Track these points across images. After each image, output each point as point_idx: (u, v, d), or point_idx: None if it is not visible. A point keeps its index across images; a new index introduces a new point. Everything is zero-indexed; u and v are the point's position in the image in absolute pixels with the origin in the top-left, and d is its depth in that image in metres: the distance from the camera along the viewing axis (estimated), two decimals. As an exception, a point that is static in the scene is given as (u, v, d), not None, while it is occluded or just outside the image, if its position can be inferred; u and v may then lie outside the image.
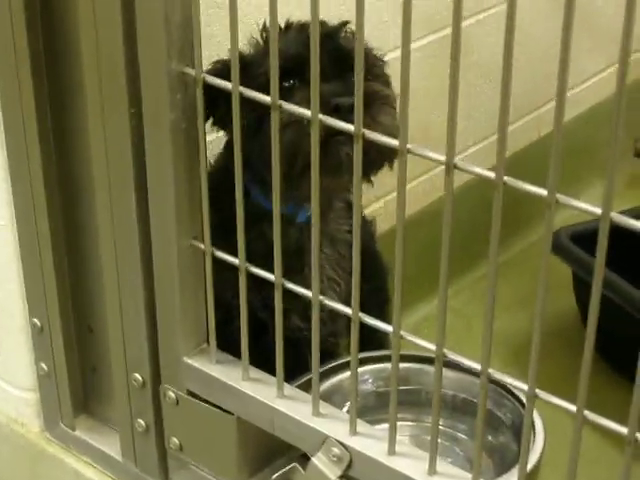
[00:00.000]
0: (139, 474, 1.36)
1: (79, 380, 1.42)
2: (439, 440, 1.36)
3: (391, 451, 1.07)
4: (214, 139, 1.44)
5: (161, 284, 1.19)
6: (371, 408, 1.37)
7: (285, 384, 1.16)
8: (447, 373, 1.33)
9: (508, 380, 0.96)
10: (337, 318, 1.42)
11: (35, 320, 1.38)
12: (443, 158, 0.89)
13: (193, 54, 1.04)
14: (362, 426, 1.10)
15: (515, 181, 0.87)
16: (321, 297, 1.05)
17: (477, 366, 0.97)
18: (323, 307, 1.08)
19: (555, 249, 2.00)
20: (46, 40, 1.18)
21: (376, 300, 1.60)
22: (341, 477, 1.09)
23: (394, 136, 0.93)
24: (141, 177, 1.13)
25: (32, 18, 1.16)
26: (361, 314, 1.02)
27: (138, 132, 1.11)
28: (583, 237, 1.99)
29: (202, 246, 1.14)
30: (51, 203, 1.28)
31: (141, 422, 1.30)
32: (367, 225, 1.63)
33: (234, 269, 1.11)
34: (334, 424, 1.11)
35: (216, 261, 1.13)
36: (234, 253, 1.11)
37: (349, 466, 1.09)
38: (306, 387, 1.18)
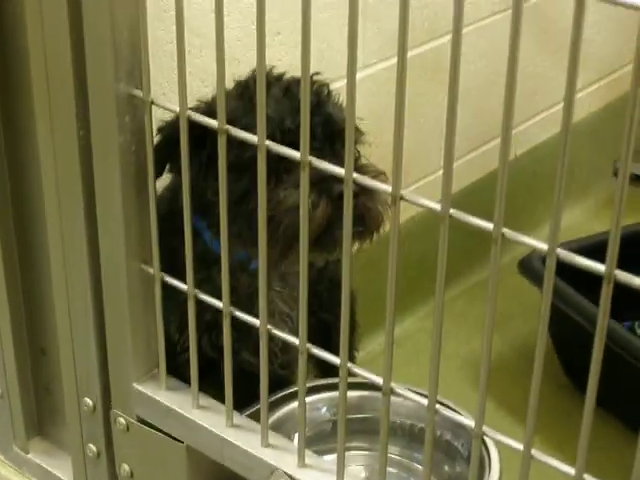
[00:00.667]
0: (91, 500, 1.33)
1: (32, 402, 1.39)
2: (395, 471, 1.35)
3: (340, 485, 1.04)
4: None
5: (111, 308, 1.16)
6: (326, 436, 1.35)
7: (235, 413, 1.13)
8: (406, 402, 1.30)
9: (458, 418, 0.94)
10: (289, 350, 1.40)
11: (-14, 342, 1.36)
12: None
13: (142, 76, 1.02)
14: (311, 458, 1.08)
15: (461, 214, 0.85)
16: (269, 327, 1.03)
17: (424, 401, 0.94)
18: (274, 339, 1.06)
19: (526, 272, 1.98)
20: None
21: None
22: (290, 509, 1.07)
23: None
24: (90, 200, 1.11)
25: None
26: (309, 344, 1.00)
27: (87, 154, 1.09)
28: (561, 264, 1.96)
29: (151, 270, 1.11)
30: (3, 224, 1.25)
31: (92, 447, 1.28)
32: None
33: (180, 304, 1.09)
34: (283, 455, 1.09)
35: (162, 295, 1.11)
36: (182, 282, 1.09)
37: (298, 499, 1.06)
38: (258, 416, 1.15)
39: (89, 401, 1.25)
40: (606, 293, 0.77)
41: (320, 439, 1.36)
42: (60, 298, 1.21)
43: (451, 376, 2.01)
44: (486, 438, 1.24)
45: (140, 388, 1.18)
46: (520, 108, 2.28)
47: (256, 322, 1.03)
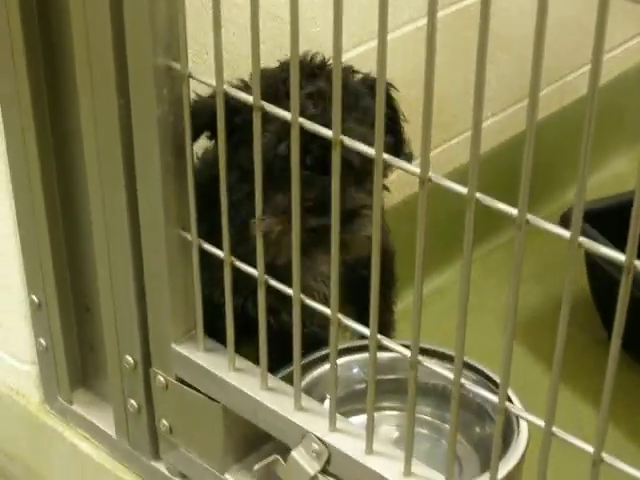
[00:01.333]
0: (132, 452, 1.38)
1: (77, 356, 1.43)
2: (426, 432, 1.38)
3: (368, 450, 1.07)
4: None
5: (150, 271, 1.20)
6: (359, 395, 1.37)
7: (270, 376, 1.16)
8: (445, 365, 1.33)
9: (484, 393, 0.96)
10: None
11: (33, 296, 1.40)
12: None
13: (179, 50, 1.04)
14: (342, 422, 1.10)
15: (486, 198, 0.86)
16: (301, 296, 1.05)
17: (449, 374, 0.96)
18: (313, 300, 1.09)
19: (568, 227, 1.98)
20: (42, 37, 1.19)
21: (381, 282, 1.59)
22: (320, 472, 1.10)
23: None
24: (130, 167, 1.14)
25: (29, 18, 1.17)
26: (340, 315, 1.03)
27: (127, 123, 1.11)
28: (598, 216, 1.96)
29: (189, 237, 1.14)
30: (48, 188, 1.28)
31: (133, 403, 1.32)
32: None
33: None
34: (314, 419, 1.12)
35: (207, 258, 1.14)
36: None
37: (328, 462, 1.10)
38: (292, 377, 1.18)
39: (130, 359, 1.28)
40: (626, 283, 0.78)
41: (353, 398, 1.38)
42: (102, 260, 1.25)
43: (490, 328, 2.02)
44: (515, 399, 1.28)
45: (178, 349, 1.22)
46: (568, 58, 2.28)
47: (290, 291, 1.06)
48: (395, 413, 1.41)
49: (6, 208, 1.35)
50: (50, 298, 1.37)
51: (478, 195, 0.86)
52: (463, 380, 0.95)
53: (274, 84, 1.24)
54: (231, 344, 1.17)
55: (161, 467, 1.35)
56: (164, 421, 1.29)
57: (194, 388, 1.23)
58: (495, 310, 2.10)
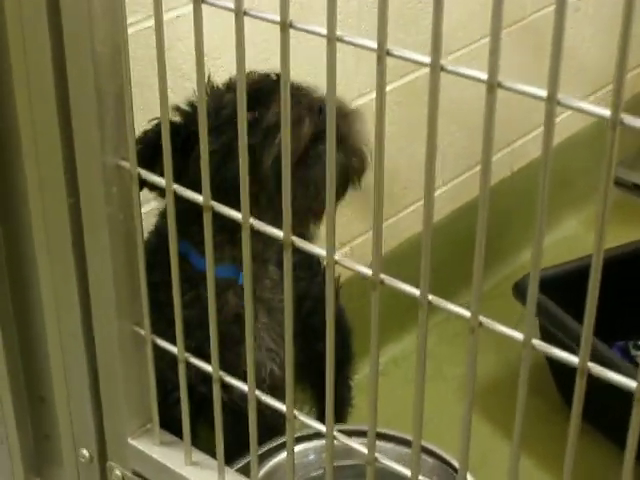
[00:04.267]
0: None
1: (32, 447, 1.41)
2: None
3: None
4: (150, 209, 1.44)
5: (103, 366, 1.19)
6: (317, 482, 1.37)
7: (227, 469, 1.16)
8: (397, 447, 1.34)
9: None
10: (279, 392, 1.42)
11: (-16, 395, 1.38)
12: (369, 272, 0.87)
13: (128, 148, 1.04)
14: (300, 517, 1.10)
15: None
16: (257, 393, 1.05)
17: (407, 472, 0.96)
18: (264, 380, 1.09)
19: (520, 297, 2.00)
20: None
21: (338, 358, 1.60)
22: None
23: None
24: (82, 265, 1.13)
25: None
26: (296, 412, 1.02)
27: (77, 222, 1.11)
28: (553, 283, 1.97)
29: (142, 332, 1.14)
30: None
31: (90, 496, 1.30)
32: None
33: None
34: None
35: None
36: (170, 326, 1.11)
37: None
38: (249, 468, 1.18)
39: (85, 452, 1.27)
40: (580, 386, 0.78)
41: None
42: (55, 354, 1.24)
43: (449, 399, 2.03)
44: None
45: (134, 443, 1.21)
46: (518, 124, 2.31)
47: (244, 388, 1.05)
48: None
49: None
50: (3, 391, 1.35)
51: (430, 297, 0.86)
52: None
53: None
54: (187, 437, 1.16)
55: None
56: (121, 515, 1.28)
57: (152, 482, 1.22)
58: (452, 379, 2.11)
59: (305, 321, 1.54)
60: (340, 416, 1.74)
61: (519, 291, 2.00)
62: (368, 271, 0.88)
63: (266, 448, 1.34)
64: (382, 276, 0.87)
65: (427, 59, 0.77)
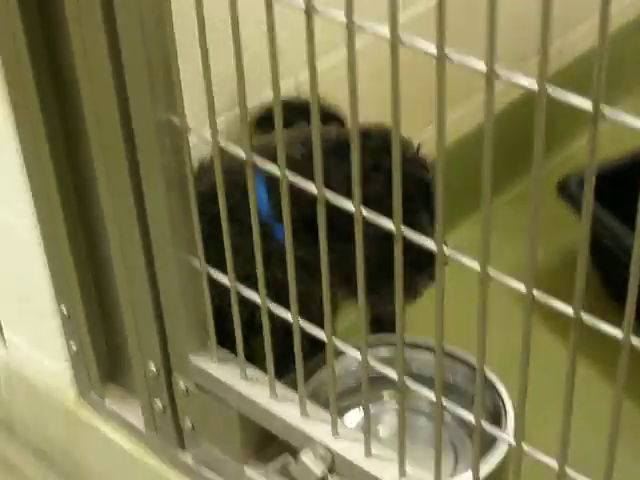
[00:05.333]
0: (160, 443, 1.51)
1: (106, 356, 1.56)
2: (425, 422, 1.50)
3: (367, 453, 1.20)
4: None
5: (165, 292, 1.32)
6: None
7: (277, 384, 1.29)
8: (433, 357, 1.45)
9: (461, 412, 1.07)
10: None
11: (62, 307, 1.52)
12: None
13: (177, 105, 1.15)
14: (342, 428, 1.23)
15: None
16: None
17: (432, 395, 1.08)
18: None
19: (563, 196, 2.05)
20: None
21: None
22: (327, 472, 1.23)
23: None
24: (142, 208, 1.25)
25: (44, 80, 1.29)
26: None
27: (136, 170, 1.22)
28: (605, 181, 1.99)
29: (197, 264, 1.25)
30: (73, 228, 1.42)
31: (158, 403, 1.45)
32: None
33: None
34: (318, 426, 1.24)
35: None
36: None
37: (332, 464, 1.22)
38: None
39: (152, 366, 1.41)
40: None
41: (356, 391, 1.50)
42: (122, 282, 1.37)
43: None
44: (501, 389, 1.40)
45: (194, 360, 1.34)
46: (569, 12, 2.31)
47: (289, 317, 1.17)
48: (396, 407, 1.53)
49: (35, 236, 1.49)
50: (77, 310, 1.50)
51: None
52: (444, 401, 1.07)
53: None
54: (241, 354, 1.29)
55: (187, 458, 1.48)
56: (187, 420, 1.43)
57: (212, 393, 1.36)
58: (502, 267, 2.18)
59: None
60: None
61: (565, 191, 2.03)
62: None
63: (315, 360, 1.47)
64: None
65: None
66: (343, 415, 1.47)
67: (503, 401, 1.42)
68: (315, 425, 1.25)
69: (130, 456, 1.57)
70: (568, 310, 0.89)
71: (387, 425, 1.48)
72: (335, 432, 1.23)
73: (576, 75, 2.22)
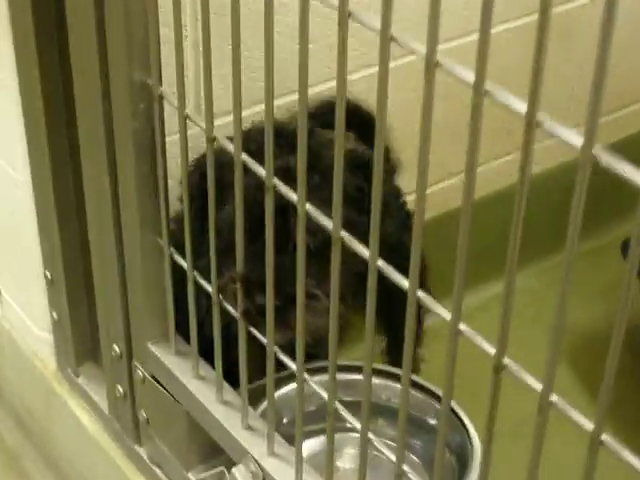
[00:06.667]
0: (120, 432, 1.43)
1: (86, 331, 1.48)
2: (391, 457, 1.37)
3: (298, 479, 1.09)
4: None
5: (130, 269, 1.23)
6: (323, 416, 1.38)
7: (229, 389, 1.19)
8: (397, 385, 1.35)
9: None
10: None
11: (47, 272, 1.45)
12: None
13: (152, 66, 1.06)
14: (281, 447, 1.12)
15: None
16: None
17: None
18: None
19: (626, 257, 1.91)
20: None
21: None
22: (255, 492, 1.12)
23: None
24: (114, 172, 1.17)
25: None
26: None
27: (111, 133, 1.15)
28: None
29: (162, 245, 1.17)
30: (57, 163, 1.34)
31: (120, 388, 1.36)
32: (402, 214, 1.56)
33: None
34: (257, 440, 1.14)
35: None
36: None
37: (262, 483, 1.12)
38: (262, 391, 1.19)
39: (117, 348, 1.33)
40: None
41: (317, 419, 1.38)
42: (95, 250, 1.30)
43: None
44: (469, 426, 1.28)
45: (153, 348, 1.25)
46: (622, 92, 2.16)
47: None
48: (357, 435, 1.41)
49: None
50: (60, 275, 1.42)
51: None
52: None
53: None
54: (195, 349, 1.19)
55: (144, 454, 1.39)
56: (143, 412, 1.34)
57: (165, 387, 1.26)
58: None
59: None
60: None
61: (625, 250, 1.92)
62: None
63: (280, 375, 1.35)
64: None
65: None
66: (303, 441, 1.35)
67: (471, 440, 1.30)
68: (254, 439, 1.14)
69: (94, 440, 1.48)
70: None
71: (350, 457, 1.36)
72: (271, 451, 1.12)
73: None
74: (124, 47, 1.06)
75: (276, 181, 0.95)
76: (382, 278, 1.44)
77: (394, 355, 1.66)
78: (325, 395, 0.99)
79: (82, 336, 1.49)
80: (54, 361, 1.57)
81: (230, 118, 0.98)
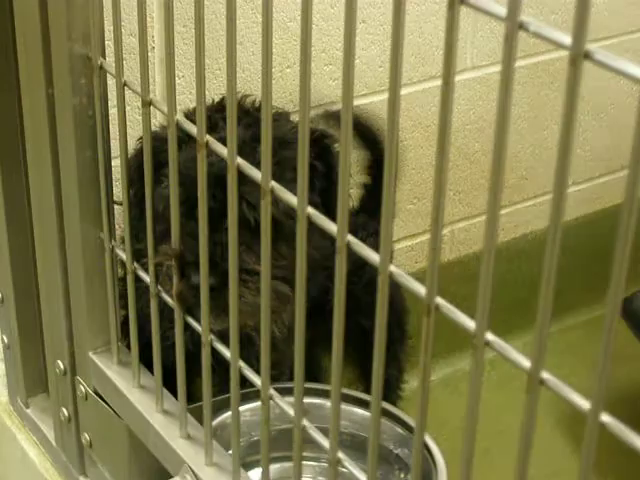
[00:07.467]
0: (66, 463, 1.32)
1: (39, 358, 1.39)
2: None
3: (235, 491, 0.98)
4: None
5: (72, 272, 1.15)
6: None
7: (170, 399, 1.09)
8: (354, 410, 1.26)
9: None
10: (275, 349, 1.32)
11: (-2, 289, 1.37)
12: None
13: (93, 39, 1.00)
14: (220, 456, 1.02)
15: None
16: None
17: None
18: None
19: (626, 316, 1.81)
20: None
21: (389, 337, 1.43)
22: (191, 506, 1.02)
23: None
24: (56, 156, 1.10)
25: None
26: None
27: (53, 112, 1.08)
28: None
29: (105, 240, 1.09)
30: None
31: (64, 411, 1.27)
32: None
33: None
34: (195, 450, 1.03)
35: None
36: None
37: (199, 496, 1.01)
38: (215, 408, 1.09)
39: (61, 364, 1.24)
40: None
41: (277, 441, 1.28)
42: (40, 261, 1.22)
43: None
44: (432, 447, 1.18)
45: (94, 358, 1.16)
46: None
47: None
48: (314, 464, 1.31)
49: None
50: (9, 294, 1.34)
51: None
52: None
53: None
54: (135, 358, 1.10)
55: (87, 484, 1.29)
56: (85, 434, 1.24)
57: (107, 401, 1.17)
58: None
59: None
60: (389, 400, 1.62)
61: (628, 310, 1.81)
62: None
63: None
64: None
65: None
66: (252, 469, 1.24)
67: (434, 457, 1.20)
68: (192, 449, 1.04)
69: (40, 475, 1.38)
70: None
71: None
72: (210, 460, 1.02)
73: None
74: (64, 18, 1.00)
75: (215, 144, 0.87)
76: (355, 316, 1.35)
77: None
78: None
79: (33, 362, 1.39)
80: (5, 394, 1.47)
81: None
